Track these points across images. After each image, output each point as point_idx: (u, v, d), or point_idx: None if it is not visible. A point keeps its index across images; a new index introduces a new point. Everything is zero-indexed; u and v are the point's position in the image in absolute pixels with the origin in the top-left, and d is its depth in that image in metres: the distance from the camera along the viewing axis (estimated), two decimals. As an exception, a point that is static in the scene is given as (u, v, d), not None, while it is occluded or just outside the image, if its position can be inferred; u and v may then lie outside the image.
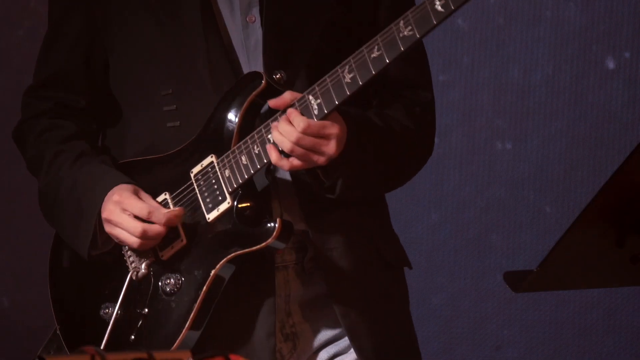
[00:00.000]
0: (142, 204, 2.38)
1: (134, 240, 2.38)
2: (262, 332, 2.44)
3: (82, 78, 2.56)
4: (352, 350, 2.48)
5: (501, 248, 4.67)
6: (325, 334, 2.49)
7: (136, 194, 2.41)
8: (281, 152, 2.32)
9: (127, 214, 2.37)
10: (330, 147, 2.31)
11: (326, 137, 2.30)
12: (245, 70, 2.46)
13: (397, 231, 2.64)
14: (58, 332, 2.55)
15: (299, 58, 2.45)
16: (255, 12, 2.46)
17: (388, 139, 2.48)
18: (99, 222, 2.43)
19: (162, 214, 2.38)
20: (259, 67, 2.45)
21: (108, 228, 2.42)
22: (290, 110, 2.30)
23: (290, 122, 2.28)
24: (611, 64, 4.45)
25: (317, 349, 2.49)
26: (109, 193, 2.42)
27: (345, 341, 2.49)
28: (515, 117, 4.62)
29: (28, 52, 2.64)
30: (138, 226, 2.37)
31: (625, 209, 2.50)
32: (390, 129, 2.47)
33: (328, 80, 2.28)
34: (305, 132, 2.27)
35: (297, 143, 2.28)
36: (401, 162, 2.57)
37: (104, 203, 2.42)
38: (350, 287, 2.48)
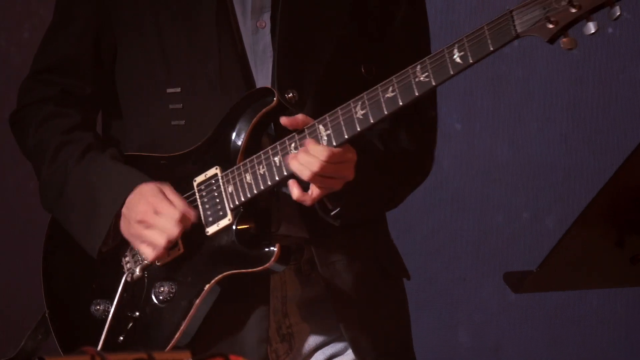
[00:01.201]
0: (174, 209, 2.36)
1: (163, 243, 2.37)
2: (255, 337, 2.44)
3: (89, 66, 2.52)
4: (348, 351, 2.47)
5: (501, 250, 4.67)
6: (321, 335, 2.49)
7: (163, 193, 2.39)
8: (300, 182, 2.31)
9: (162, 216, 2.36)
10: (350, 172, 2.31)
11: (346, 162, 2.31)
12: (255, 75, 2.45)
13: (395, 237, 2.64)
14: (47, 315, 2.55)
15: (308, 67, 2.43)
16: (266, 18, 2.44)
17: (389, 165, 2.48)
18: (114, 220, 2.42)
19: (191, 217, 2.38)
20: (266, 73, 2.44)
21: (138, 229, 2.39)
22: (308, 141, 2.28)
23: (308, 152, 2.28)
24: (612, 66, 4.45)
25: (313, 349, 2.49)
26: (133, 193, 2.41)
27: (341, 343, 2.49)
28: (514, 119, 4.63)
29: (29, 53, 2.62)
30: (175, 229, 2.36)
31: (625, 210, 2.50)
32: (391, 154, 2.47)
33: (340, 112, 2.27)
34: (329, 160, 2.26)
35: (319, 172, 2.27)
36: (401, 185, 2.58)
37: (130, 203, 2.40)
38: (354, 299, 2.48)
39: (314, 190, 2.32)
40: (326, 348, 2.50)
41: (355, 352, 2.46)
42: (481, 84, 4.60)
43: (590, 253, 2.56)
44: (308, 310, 2.48)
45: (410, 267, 2.66)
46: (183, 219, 2.36)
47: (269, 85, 2.42)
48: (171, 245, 2.38)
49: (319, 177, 2.28)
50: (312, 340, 2.49)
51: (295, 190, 2.31)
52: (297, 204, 2.39)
